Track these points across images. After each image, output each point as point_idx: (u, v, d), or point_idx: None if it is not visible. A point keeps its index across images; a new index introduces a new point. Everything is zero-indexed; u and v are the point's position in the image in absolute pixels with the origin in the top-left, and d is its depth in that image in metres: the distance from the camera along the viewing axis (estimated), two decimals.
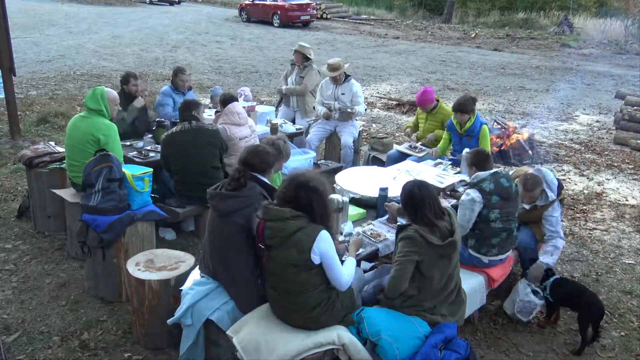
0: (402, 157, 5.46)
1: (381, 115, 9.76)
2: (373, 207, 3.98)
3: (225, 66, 13.84)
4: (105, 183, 3.71)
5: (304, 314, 2.72)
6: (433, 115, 5.68)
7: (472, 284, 3.47)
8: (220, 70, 13.25)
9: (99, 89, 4.11)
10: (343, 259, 2.93)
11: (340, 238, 3.32)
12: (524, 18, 27.41)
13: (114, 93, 4.29)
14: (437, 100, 5.68)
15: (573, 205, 5.98)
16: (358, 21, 26.89)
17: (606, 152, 8.01)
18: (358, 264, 3.21)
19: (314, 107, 6.43)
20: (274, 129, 5.66)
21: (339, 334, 2.74)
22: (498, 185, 3.48)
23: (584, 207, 5.94)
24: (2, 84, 6.79)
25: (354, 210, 3.87)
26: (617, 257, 4.87)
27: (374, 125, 9.01)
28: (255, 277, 2.98)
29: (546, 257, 3.80)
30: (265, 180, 3.15)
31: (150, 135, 5.36)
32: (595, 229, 5.43)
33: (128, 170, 3.93)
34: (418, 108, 6.00)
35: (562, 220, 5.39)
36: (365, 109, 6.29)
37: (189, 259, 3.50)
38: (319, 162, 5.50)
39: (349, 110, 6.02)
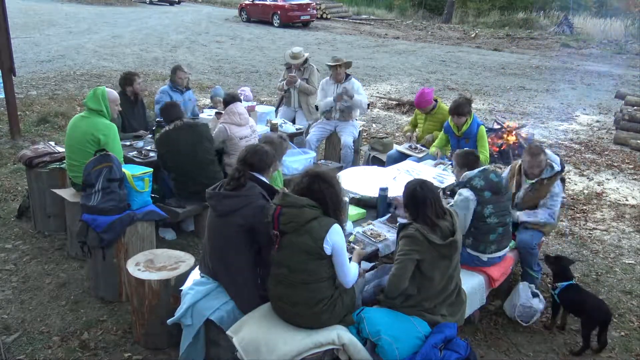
0: (402, 157, 5.46)
1: (381, 115, 9.76)
2: (373, 207, 3.98)
3: (225, 66, 13.84)
4: (105, 183, 3.71)
5: (308, 309, 2.72)
6: (432, 116, 5.67)
7: (472, 284, 3.47)
8: (220, 70, 13.26)
9: (99, 89, 4.11)
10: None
11: None
12: (524, 18, 27.41)
13: (114, 93, 4.29)
14: (436, 101, 5.68)
15: (573, 205, 5.98)
16: (358, 21, 26.89)
17: (606, 152, 8.01)
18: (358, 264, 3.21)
19: (316, 107, 6.41)
20: (274, 129, 5.66)
21: (339, 334, 2.74)
22: (488, 181, 3.51)
23: (584, 207, 5.94)
24: (2, 84, 6.79)
25: (354, 210, 3.88)
26: (617, 257, 4.87)
27: (374, 125, 9.01)
28: (256, 277, 2.98)
29: (524, 214, 3.92)
30: (265, 180, 3.16)
31: (150, 135, 5.36)
32: (595, 229, 5.43)
33: (128, 170, 3.93)
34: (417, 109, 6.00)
35: (562, 220, 5.41)
36: (368, 104, 6.25)
37: (189, 259, 3.50)
38: (319, 162, 5.50)
39: (349, 92, 5.91)
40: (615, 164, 7.46)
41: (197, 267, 3.25)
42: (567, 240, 5.13)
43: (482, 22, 28.18)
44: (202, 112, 6.07)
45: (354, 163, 6.13)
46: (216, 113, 5.58)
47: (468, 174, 3.59)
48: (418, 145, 5.63)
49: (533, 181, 3.97)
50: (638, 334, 3.78)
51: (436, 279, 2.91)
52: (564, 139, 8.65)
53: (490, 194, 3.49)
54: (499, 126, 7.56)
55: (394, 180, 4.39)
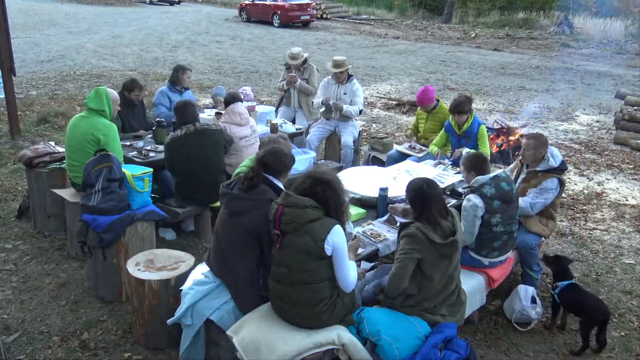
0: (402, 157, 5.46)
1: (381, 115, 9.76)
2: (373, 207, 3.98)
3: (225, 66, 13.84)
4: (105, 183, 3.71)
5: (307, 309, 2.72)
6: (433, 115, 5.68)
7: (472, 284, 3.47)
8: (220, 70, 13.25)
9: (102, 89, 4.11)
10: None
11: None
12: (524, 18, 27.41)
13: (115, 93, 4.30)
14: (438, 100, 5.68)
15: (573, 205, 5.98)
16: (358, 21, 26.89)
17: (606, 152, 8.01)
18: (358, 264, 3.21)
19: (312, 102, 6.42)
20: (274, 129, 5.66)
21: (339, 334, 2.74)
22: (499, 189, 3.46)
23: (584, 207, 5.94)
24: (2, 84, 6.79)
25: (354, 210, 3.87)
26: (617, 257, 4.87)
27: (374, 125, 9.01)
28: (257, 278, 2.98)
29: None
30: (279, 184, 3.09)
31: (150, 135, 5.36)
32: (595, 229, 5.43)
33: (128, 170, 3.93)
34: (418, 108, 6.00)
35: (562, 220, 5.41)
36: (361, 111, 6.26)
37: (189, 259, 3.50)
38: (319, 162, 5.50)
39: (339, 105, 5.97)
40: (615, 164, 7.46)
41: (197, 267, 3.25)
42: (567, 240, 5.13)
43: (482, 22, 28.18)
44: (203, 112, 6.07)
45: (354, 163, 6.13)
46: (216, 113, 5.57)
47: (480, 179, 3.51)
48: (418, 145, 5.63)
49: (526, 170, 3.99)
50: (638, 334, 3.78)
51: (436, 279, 2.91)
52: (564, 139, 8.65)
53: (500, 203, 3.44)
54: (499, 126, 7.56)
55: (394, 180, 4.39)
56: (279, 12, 23.08)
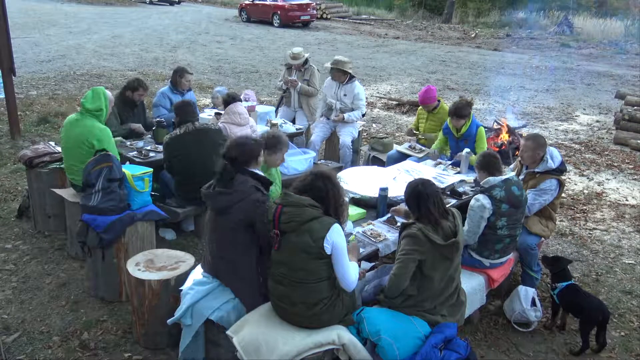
0: (402, 157, 5.46)
1: (381, 115, 9.76)
2: (373, 207, 3.98)
3: (225, 66, 13.84)
4: (105, 183, 3.71)
5: (307, 309, 2.72)
6: (434, 115, 5.68)
7: (472, 284, 3.48)
8: (220, 70, 13.26)
9: (100, 89, 4.12)
10: None
11: None
12: (524, 18, 27.40)
13: (110, 95, 4.30)
14: (439, 101, 5.69)
15: (573, 205, 5.98)
16: (358, 21, 26.89)
17: (606, 152, 8.01)
18: (358, 264, 3.21)
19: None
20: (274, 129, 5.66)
21: (339, 334, 2.74)
22: (509, 193, 3.45)
23: (584, 207, 5.94)
24: (2, 84, 6.79)
25: (354, 210, 3.87)
26: (617, 257, 4.87)
27: (374, 125, 9.01)
28: (257, 274, 2.98)
29: None
30: (255, 171, 3.10)
31: (150, 135, 5.36)
32: (595, 229, 5.43)
33: (128, 170, 3.93)
34: (419, 107, 6.00)
35: (562, 220, 5.41)
36: (364, 114, 6.28)
37: (189, 259, 3.50)
38: (319, 162, 5.50)
39: (340, 115, 6.06)
40: (615, 164, 7.46)
41: (197, 267, 3.25)
42: (567, 240, 5.13)
43: (482, 22, 28.19)
44: (203, 112, 6.07)
45: (354, 163, 6.13)
46: (216, 113, 5.57)
47: (491, 180, 3.50)
48: (418, 145, 5.63)
49: (525, 171, 3.99)
50: (638, 334, 3.78)
51: (437, 280, 2.90)
52: (564, 139, 8.65)
53: (508, 207, 3.44)
54: (498, 126, 7.56)
55: (394, 180, 4.39)
56: (279, 12, 23.10)
